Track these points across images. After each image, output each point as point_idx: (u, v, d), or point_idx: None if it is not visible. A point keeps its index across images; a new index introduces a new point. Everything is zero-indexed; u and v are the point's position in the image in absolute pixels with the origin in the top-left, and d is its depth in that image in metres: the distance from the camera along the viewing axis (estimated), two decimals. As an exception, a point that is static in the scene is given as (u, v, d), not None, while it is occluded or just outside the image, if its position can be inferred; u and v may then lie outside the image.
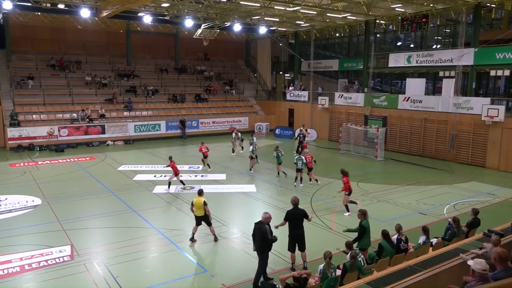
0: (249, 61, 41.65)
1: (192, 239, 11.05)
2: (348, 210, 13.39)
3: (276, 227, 9.25)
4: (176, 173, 16.22)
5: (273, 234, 8.67)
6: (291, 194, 15.30)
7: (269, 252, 8.74)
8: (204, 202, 10.84)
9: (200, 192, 11.15)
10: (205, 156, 19.94)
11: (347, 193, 13.37)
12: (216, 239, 11.13)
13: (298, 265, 9.40)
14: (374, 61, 28.27)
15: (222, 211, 13.81)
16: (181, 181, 16.55)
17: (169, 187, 16.19)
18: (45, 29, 30.87)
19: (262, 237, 8.52)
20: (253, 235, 8.78)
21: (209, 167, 19.83)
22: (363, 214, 9.21)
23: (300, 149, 23.16)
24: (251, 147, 19.61)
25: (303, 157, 16.79)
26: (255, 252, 8.70)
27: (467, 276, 5.63)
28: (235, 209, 14.53)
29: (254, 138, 21.90)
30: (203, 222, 11.07)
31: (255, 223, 8.79)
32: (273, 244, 8.74)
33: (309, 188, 16.62)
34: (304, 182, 17.12)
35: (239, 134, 24.63)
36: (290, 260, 9.47)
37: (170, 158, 16.55)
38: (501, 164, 20.53)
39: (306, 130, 26.08)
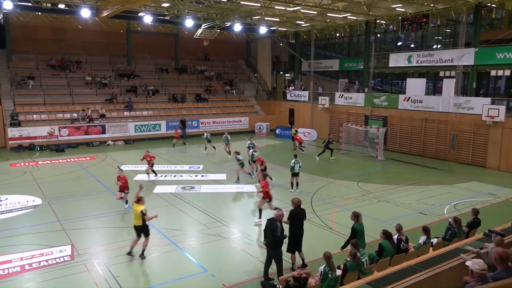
0: (250, 61, 41.65)
1: (130, 253, 9.98)
2: (260, 217, 12.51)
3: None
4: (123, 189, 13.73)
5: (284, 232, 8.73)
6: (291, 194, 15.34)
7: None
8: (142, 211, 9.74)
9: (138, 200, 10.00)
10: (151, 165, 17.92)
11: (267, 199, 12.46)
12: (142, 255, 9.92)
13: (298, 265, 9.40)
14: (374, 61, 28.26)
15: (222, 211, 13.82)
16: (123, 199, 13.95)
17: (126, 203, 13.89)
18: (45, 29, 30.88)
19: (272, 234, 8.59)
20: (265, 230, 8.90)
21: (155, 174, 18.19)
22: (356, 216, 9.14)
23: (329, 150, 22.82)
24: (251, 151, 18.95)
25: (300, 161, 16.19)
26: (255, 252, 8.71)
27: (468, 276, 5.62)
28: (235, 209, 14.53)
29: (249, 142, 20.99)
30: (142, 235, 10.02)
31: (267, 220, 8.86)
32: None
33: (309, 188, 16.62)
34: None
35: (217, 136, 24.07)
36: (290, 261, 9.45)
37: (118, 168, 14.12)
38: (501, 164, 20.51)
39: (297, 132, 26.05)
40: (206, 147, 24.52)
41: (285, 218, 9.16)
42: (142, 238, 10.09)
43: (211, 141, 24.57)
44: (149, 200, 15.02)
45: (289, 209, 9.50)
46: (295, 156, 16.52)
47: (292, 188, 16.11)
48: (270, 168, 20.19)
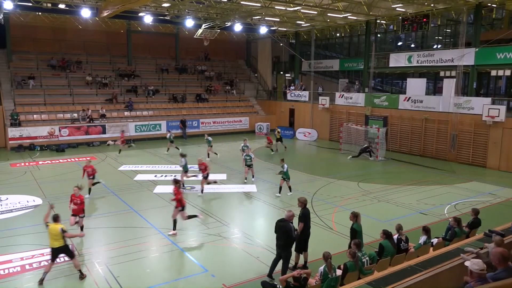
0: (250, 61, 41.64)
1: (42, 281, 8.78)
2: (174, 228, 11.54)
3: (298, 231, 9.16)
4: (78, 213, 11.28)
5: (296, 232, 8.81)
6: (292, 194, 15.33)
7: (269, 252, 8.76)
8: (62, 229, 8.77)
9: (55, 218, 8.91)
10: (91, 177, 15.17)
11: (180, 208, 11.40)
12: (82, 276, 8.98)
13: (299, 265, 9.39)
14: (374, 61, 28.25)
15: (223, 211, 13.82)
16: (78, 224, 11.31)
17: (82, 229, 11.19)
18: (45, 29, 30.89)
19: (287, 235, 8.58)
20: (276, 232, 8.85)
21: (89, 193, 15.12)
22: (355, 216, 9.13)
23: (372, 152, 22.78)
24: (244, 154, 18.11)
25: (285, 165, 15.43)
26: (256, 252, 8.69)
27: (468, 277, 5.63)
28: (236, 209, 14.53)
29: (242, 145, 20.22)
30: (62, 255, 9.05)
31: (277, 221, 8.85)
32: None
33: (309, 188, 16.61)
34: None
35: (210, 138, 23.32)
36: (293, 260, 9.43)
37: (78, 187, 11.65)
38: (502, 164, 20.50)
39: (279, 133, 25.73)
40: (168, 149, 24.39)
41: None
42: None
43: (174, 142, 24.72)
44: (150, 200, 15.08)
45: (288, 209, 9.49)
46: (283, 160, 15.71)
47: (279, 193, 15.39)
48: (270, 168, 20.25)
